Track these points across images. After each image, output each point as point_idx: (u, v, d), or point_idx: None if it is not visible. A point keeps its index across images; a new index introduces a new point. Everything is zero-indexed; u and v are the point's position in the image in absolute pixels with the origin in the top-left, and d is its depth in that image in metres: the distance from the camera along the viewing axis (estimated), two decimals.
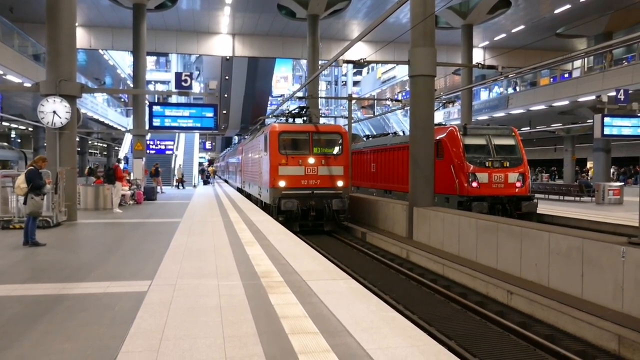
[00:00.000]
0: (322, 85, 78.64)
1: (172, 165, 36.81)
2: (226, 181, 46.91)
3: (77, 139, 19.05)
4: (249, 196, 23.78)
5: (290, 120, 19.04)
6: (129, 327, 4.63)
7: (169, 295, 5.76)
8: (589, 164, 42.51)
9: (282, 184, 15.74)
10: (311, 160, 16.03)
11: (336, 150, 16.62)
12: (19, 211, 11.89)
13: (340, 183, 16.21)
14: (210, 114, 20.42)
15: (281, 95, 75.03)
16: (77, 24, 14.92)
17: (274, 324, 4.74)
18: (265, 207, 17.61)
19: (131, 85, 39.14)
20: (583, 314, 7.24)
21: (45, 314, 5.19)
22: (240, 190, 29.26)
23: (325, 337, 4.38)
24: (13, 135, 59.75)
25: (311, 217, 15.86)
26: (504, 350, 6.72)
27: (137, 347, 4.14)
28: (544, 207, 18.20)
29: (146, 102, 26.76)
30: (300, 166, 15.90)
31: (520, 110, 32.69)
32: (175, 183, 34.04)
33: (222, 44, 36.71)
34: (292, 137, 16.55)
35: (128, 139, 37.04)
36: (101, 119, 41.73)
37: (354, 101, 36.86)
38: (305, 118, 18.91)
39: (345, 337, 4.38)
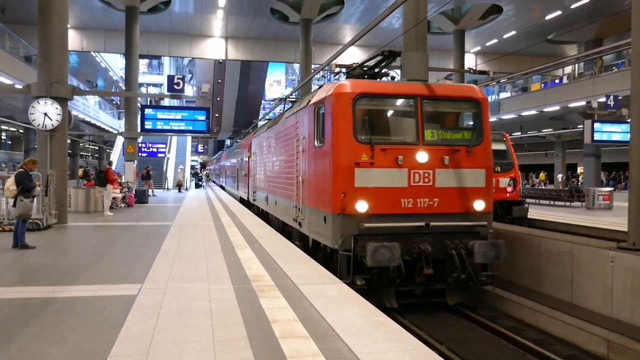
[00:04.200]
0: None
1: (164, 168, 36.74)
2: (222, 187, 39.98)
3: (68, 141, 18.97)
4: (263, 215, 16.21)
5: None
6: (119, 330, 4.60)
7: (159, 298, 5.73)
8: (580, 169, 42.92)
9: (362, 206, 8.08)
10: (421, 156, 8.29)
11: (469, 134, 8.83)
12: (9, 213, 11.80)
13: (479, 204, 8.53)
14: (203, 117, 20.43)
15: (274, 99, 75.08)
16: (69, 26, 14.88)
17: (264, 328, 4.73)
18: (313, 249, 9.70)
19: (123, 88, 39.02)
20: (572, 319, 7.29)
21: (34, 317, 5.14)
22: (246, 203, 21.26)
23: (315, 341, 4.37)
24: (4, 136, 59.40)
25: (422, 277, 8.11)
26: (494, 354, 6.74)
27: (126, 351, 4.11)
28: (535, 212, 18.29)
29: (138, 104, 26.70)
30: (400, 168, 8.21)
31: (512, 115, 32.90)
32: (175, 186, 34.06)
33: (215, 47, 36.74)
34: (382, 106, 8.98)
35: (120, 141, 36.91)
36: (93, 122, 41.59)
37: None
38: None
39: (336, 341, 4.38)
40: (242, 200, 23.21)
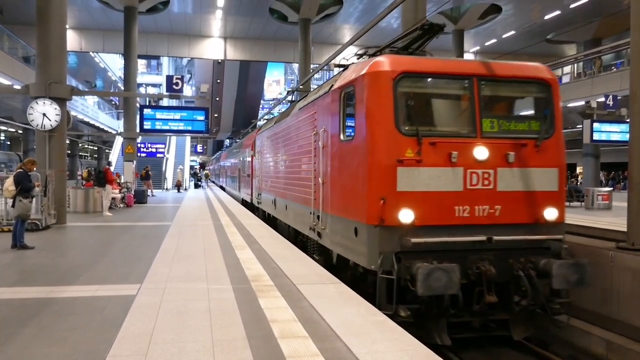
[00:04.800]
0: None
1: (163, 169, 36.74)
2: (222, 188, 38.54)
3: (67, 142, 18.96)
4: (270, 220, 14.80)
5: None
6: (118, 330, 4.59)
7: (158, 298, 5.73)
8: (579, 169, 42.97)
9: (406, 216, 6.55)
10: (480, 151, 6.78)
11: (537, 124, 7.27)
12: (8, 214, 11.80)
13: (551, 213, 6.96)
14: (202, 117, 20.43)
15: (273, 99, 75.08)
16: (67, 27, 14.87)
17: (263, 328, 4.73)
18: (338, 267, 8.11)
19: (122, 88, 39.03)
20: (572, 319, 7.27)
21: (32, 317, 5.14)
22: (249, 205, 19.58)
23: (314, 341, 4.37)
24: (2, 137, 59.39)
25: (483, 305, 6.54)
26: (493, 355, 6.73)
27: (125, 351, 4.11)
28: None
29: (137, 105, 26.70)
30: (453, 167, 6.71)
31: None
32: (175, 186, 34.12)
33: (213, 47, 36.72)
34: (430, 88, 7.42)
35: (119, 141, 36.90)
36: (92, 122, 41.62)
37: None
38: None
39: (335, 341, 4.37)
40: (244, 203, 21.57)
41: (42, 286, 6.54)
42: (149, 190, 26.23)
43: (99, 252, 9.44)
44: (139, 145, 29.39)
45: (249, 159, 19.52)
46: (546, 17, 31.06)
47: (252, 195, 18.66)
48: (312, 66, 29.45)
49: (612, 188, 27.40)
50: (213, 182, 53.34)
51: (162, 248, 9.42)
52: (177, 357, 3.99)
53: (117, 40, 29.81)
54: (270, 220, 14.64)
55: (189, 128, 20.33)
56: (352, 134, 7.21)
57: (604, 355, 6.98)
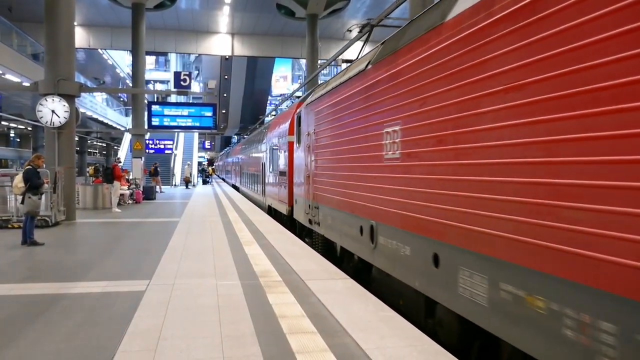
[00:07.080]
0: None
1: (172, 165, 36.88)
2: (236, 188, 33.84)
3: (76, 139, 19.06)
4: (332, 253, 9.26)
5: None
6: (127, 326, 4.61)
7: (167, 294, 5.75)
8: None
9: None
10: None
11: None
12: (18, 210, 11.88)
13: None
14: (209, 114, 20.52)
15: (281, 95, 75.07)
16: (76, 24, 14.92)
17: (272, 324, 4.72)
18: None
19: (130, 85, 39.16)
20: None
21: (42, 313, 5.17)
22: (284, 220, 13.81)
23: (323, 336, 4.36)
24: (12, 134, 59.83)
25: None
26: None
27: (134, 347, 4.12)
28: None
29: (145, 101, 26.77)
30: None
31: None
32: (183, 182, 34.29)
33: (221, 43, 36.76)
34: None
35: (127, 138, 37.07)
36: (100, 119, 41.84)
37: None
38: None
39: (343, 336, 4.36)
40: (272, 212, 15.97)
41: (52, 282, 6.58)
42: (158, 187, 26.33)
43: (108, 249, 9.49)
44: (147, 141, 29.49)
45: (284, 148, 13.37)
46: None
47: (291, 205, 12.58)
48: (319, 61, 29.41)
49: None
50: (223, 179, 53.31)
51: (170, 244, 9.46)
52: (186, 353, 3.99)
53: (125, 37, 29.91)
54: (336, 256, 8.96)
55: (197, 124, 20.42)
56: None
57: None
